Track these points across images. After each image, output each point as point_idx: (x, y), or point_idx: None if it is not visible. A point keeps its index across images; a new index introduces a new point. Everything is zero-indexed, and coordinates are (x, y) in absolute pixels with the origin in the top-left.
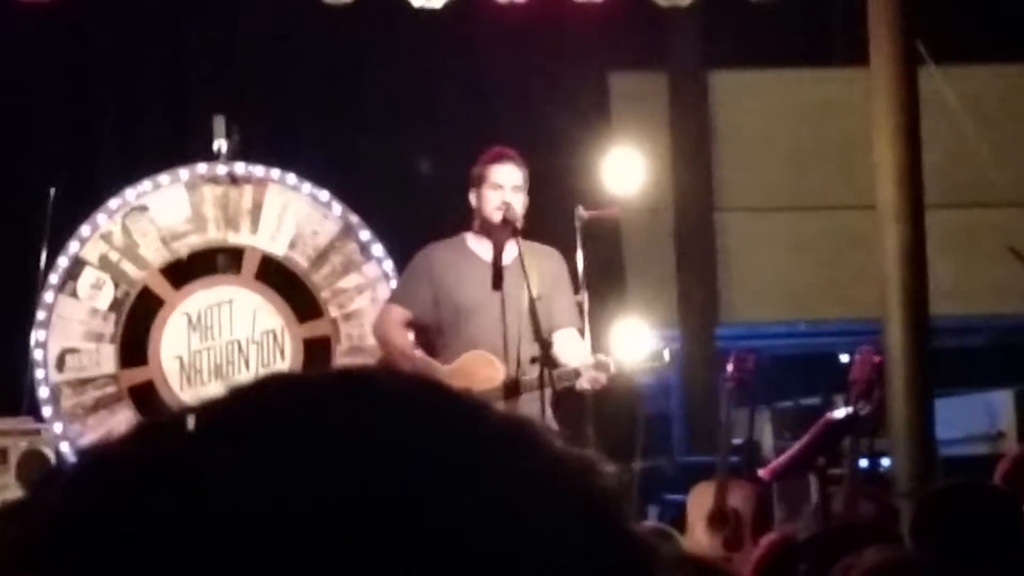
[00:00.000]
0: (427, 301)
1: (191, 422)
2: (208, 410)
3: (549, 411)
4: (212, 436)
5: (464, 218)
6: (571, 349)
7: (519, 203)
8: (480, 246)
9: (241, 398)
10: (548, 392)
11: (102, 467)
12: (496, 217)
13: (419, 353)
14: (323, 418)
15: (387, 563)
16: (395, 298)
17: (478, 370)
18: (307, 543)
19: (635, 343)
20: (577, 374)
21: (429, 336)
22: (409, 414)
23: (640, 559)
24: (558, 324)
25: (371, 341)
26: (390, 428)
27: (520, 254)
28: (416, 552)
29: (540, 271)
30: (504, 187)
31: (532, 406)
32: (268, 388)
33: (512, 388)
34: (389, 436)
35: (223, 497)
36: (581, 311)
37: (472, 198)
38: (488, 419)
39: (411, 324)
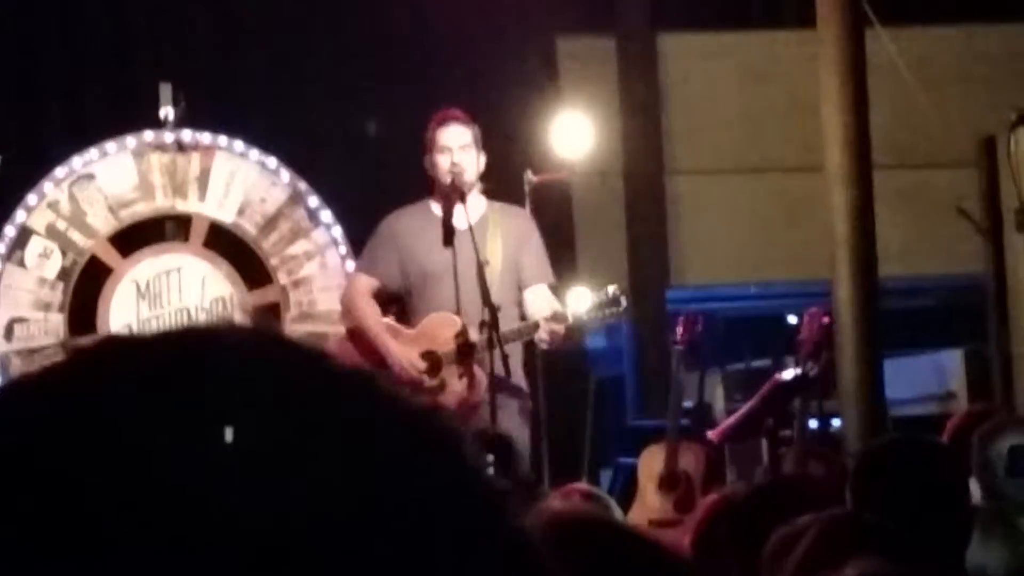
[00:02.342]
0: (393, 268)
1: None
2: (50, 376)
3: (505, 370)
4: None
5: (411, 181)
6: (541, 306)
7: (471, 162)
8: (441, 211)
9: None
10: (497, 355)
11: None
12: (446, 180)
13: (387, 320)
14: (146, 387)
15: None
16: (361, 267)
17: (441, 331)
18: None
19: (586, 301)
20: (535, 327)
21: (401, 301)
22: (242, 374)
23: (492, 500)
24: (527, 281)
25: (321, 307)
26: (221, 391)
27: (484, 217)
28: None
29: (506, 231)
30: (452, 148)
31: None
32: (100, 360)
33: (465, 349)
34: (220, 398)
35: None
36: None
37: (427, 163)
38: (324, 368)
39: (379, 292)
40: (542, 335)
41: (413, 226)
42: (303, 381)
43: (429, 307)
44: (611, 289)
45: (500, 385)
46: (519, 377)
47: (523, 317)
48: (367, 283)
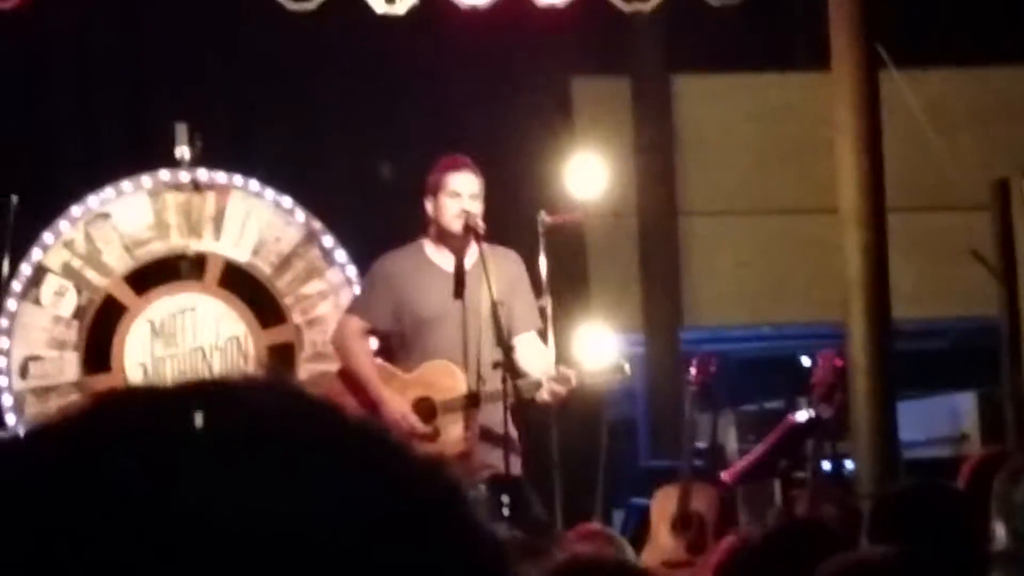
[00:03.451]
0: (386, 311)
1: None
2: (72, 427)
3: (510, 417)
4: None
5: (424, 221)
6: (532, 355)
7: (478, 211)
8: (438, 254)
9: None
10: (510, 400)
11: None
12: (456, 226)
13: (379, 361)
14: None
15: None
16: (353, 309)
17: (439, 379)
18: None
19: (598, 352)
20: (538, 386)
21: (390, 344)
22: (259, 426)
23: (489, 555)
24: (518, 328)
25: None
26: (240, 445)
27: (482, 258)
28: (270, 549)
29: (499, 274)
30: (462, 195)
31: (494, 414)
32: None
33: (473, 399)
34: (238, 453)
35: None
36: (543, 315)
37: (428, 206)
38: (338, 423)
39: (370, 333)
40: (544, 395)
41: (407, 269)
42: (315, 440)
43: (422, 352)
44: (617, 353)
45: (496, 440)
46: (512, 427)
47: (512, 362)
48: (359, 326)
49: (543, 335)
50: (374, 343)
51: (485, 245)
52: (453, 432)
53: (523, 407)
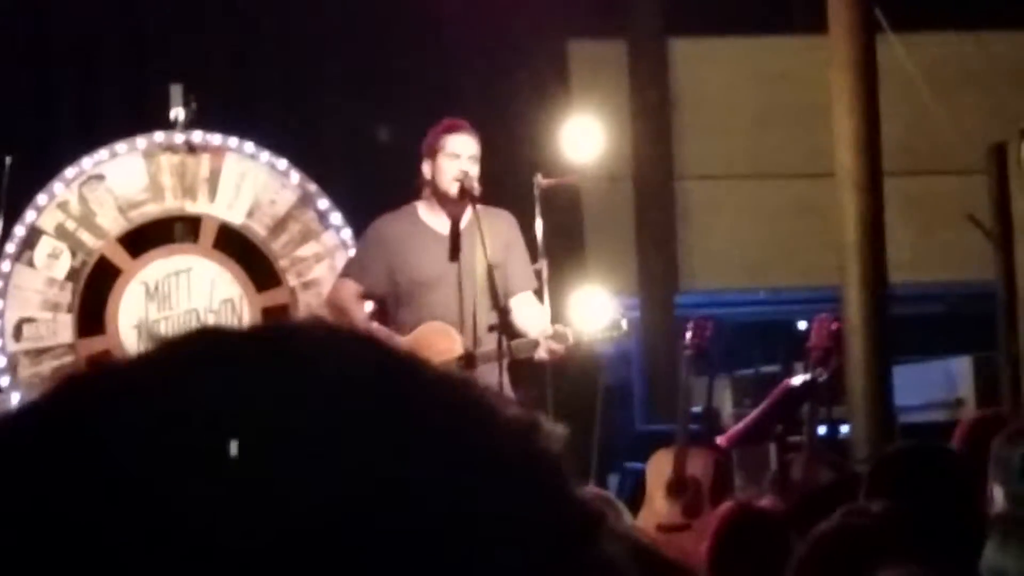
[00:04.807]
0: (381, 274)
1: (115, 386)
2: (135, 369)
3: (506, 379)
4: (132, 403)
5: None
6: (528, 315)
7: (475, 173)
8: (432, 217)
9: (167, 357)
10: (506, 361)
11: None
12: (453, 188)
13: (375, 325)
14: (246, 382)
15: (325, 528)
16: (348, 272)
17: (435, 341)
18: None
19: (594, 312)
20: (535, 345)
21: (385, 307)
22: (339, 374)
23: (583, 521)
24: (514, 288)
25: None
26: (318, 388)
27: (477, 220)
28: (356, 519)
29: (493, 235)
30: (461, 156)
31: (490, 375)
32: (194, 345)
33: (469, 360)
34: (318, 395)
35: (130, 461)
36: (539, 277)
37: (426, 169)
38: (425, 377)
39: (365, 297)
40: (541, 353)
41: (402, 232)
42: (399, 388)
43: (417, 314)
44: (614, 311)
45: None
46: (508, 388)
47: (508, 324)
48: (353, 288)
49: (539, 295)
50: (368, 307)
51: (480, 207)
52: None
53: (520, 367)
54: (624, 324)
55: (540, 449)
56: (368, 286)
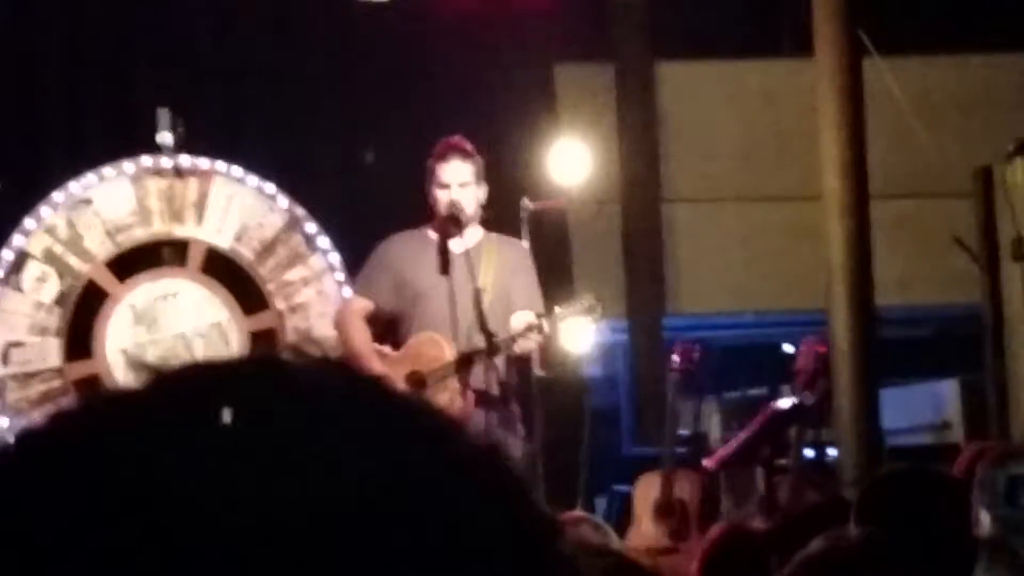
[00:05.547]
0: (387, 289)
1: (101, 422)
2: (125, 402)
3: (496, 390)
4: (125, 432)
5: (409, 209)
6: (515, 318)
7: (469, 199)
8: (439, 240)
9: (160, 388)
10: (495, 383)
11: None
12: (440, 213)
13: (375, 346)
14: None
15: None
16: (358, 290)
17: (425, 351)
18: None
19: (577, 334)
20: (513, 340)
21: (391, 325)
22: (315, 401)
23: (544, 537)
24: (516, 308)
25: (317, 333)
26: (296, 417)
27: (479, 245)
28: (325, 544)
29: (500, 260)
30: (450, 185)
31: (485, 379)
32: (183, 378)
33: (464, 360)
34: (294, 422)
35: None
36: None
37: (428, 193)
38: (398, 404)
39: (373, 315)
40: (519, 348)
41: (408, 250)
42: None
43: (414, 326)
44: (587, 298)
45: (490, 403)
46: (510, 399)
47: (494, 347)
48: (361, 305)
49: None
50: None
51: (493, 234)
52: (443, 399)
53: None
54: (599, 308)
55: (499, 462)
56: (375, 300)
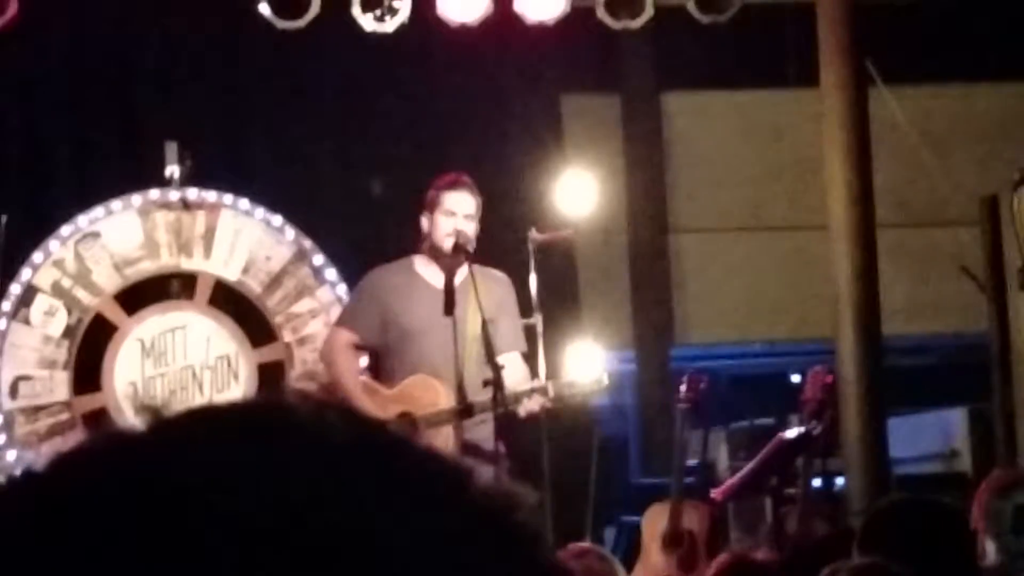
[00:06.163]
0: (374, 324)
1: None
2: (124, 444)
3: (490, 445)
4: (119, 477)
5: (415, 241)
6: (512, 374)
7: (471, 231)
8: (428, 270)
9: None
10: (490, 438)
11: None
12: (447, 244)
13: (364, 378)
14: (230, 462)
15: None
16: (342, 321)
17: (420, 395)
18: None
19: (585, 366)
20: (516, 400)
21: (377, 358)
22: (320, 450)
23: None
24: (502, 348)
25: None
26: (300, 465)
27: (472, 277)
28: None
29: (487, 294)
30: (457, 215)
31: (480, 429)
32: (177, 428)
33: (465, 411)
34: (301, 472)
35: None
36: (534, 333)
37: (424, 222)
38: (405, 453)
39: (359, 347)
40: (522, 410)
41: (397, 283)
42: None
43: (406, 366)
44: (597, 369)
45: (483, 456)
46: (501, 456)
47: (501, 381)
48: (347, 338)
49: (530, 354)
50: (364, 361)
51: (476, 266)
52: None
53: (511, 424)
54: (605, 379)
55: (515, 517)
56: (361, 336)
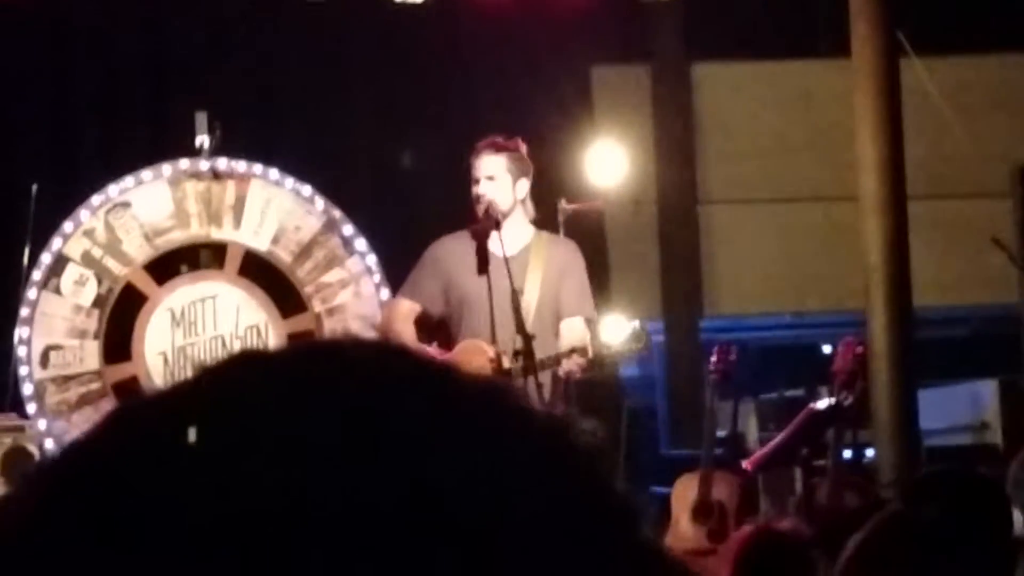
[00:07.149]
0: (435, 293)
1: (167, 410)
2: (180, 394)
3: (536, 397)
4: (186, 422)
5: (446, 211)
6: (568, 338)
7: (498, 191)
8: (476, 239)
9: (212, 380)
10: (531, 384)
11: (78, 460)
12: (479, 211)
13: (424, 347)
14: (294, 395)
15: (372, 530)
16: (404, 292)
17: (471, 359)
18: (289, 524)
19: (618, 330)
20: (557, 361)
21: (438, 329)
22: (380, 380)
23: (621, 512)
24: (564, 313)
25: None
26: (362, 395)
27: (528, 246)
28: (395, 518)
29: (548, 262)
30: (479, 180)
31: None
32: (238, 367)
33: (504, 376)
34: (362, 402)
35: (199, 485)
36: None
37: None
38: (460, 381)
39: (421, 317)
40: (562, 369)
41: (455, 252)
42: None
43: (464, 333)
44: (635, 325)
45: None
46: (552, 407)
47: (530, 352)
48: (408, 307)
49: (590, 321)
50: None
51: (545, 233)
52: None
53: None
54: (647, 337)
55: (576, 444)
56: (423, 304)
